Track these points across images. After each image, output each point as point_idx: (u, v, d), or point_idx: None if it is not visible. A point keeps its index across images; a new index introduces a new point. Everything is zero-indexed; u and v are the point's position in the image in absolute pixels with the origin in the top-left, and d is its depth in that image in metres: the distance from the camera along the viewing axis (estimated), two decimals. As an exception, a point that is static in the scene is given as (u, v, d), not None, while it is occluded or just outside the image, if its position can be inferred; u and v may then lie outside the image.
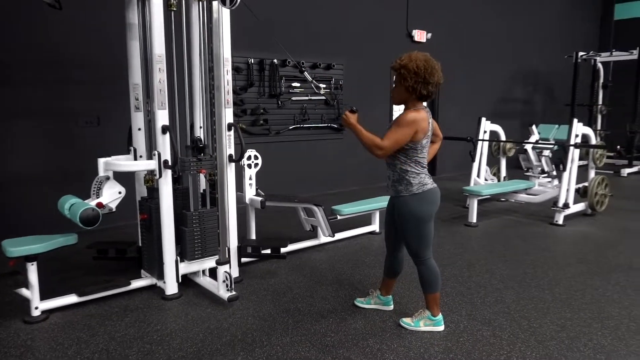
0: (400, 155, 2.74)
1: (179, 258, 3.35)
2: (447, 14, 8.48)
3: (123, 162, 3.29)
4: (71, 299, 3.14)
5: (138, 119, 3.52)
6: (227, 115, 3.43)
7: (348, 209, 4.57)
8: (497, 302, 3.29)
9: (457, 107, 8.83)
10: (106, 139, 4.81)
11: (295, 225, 4.99)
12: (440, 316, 2.88)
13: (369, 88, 7.60)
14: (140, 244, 3.66)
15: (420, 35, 8.08)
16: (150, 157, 3.41)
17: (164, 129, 3.14)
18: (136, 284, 3.40)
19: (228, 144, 3.44)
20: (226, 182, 3.24)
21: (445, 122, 8.72)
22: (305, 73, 3.15)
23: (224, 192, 3.19)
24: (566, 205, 5.37)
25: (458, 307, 3.21)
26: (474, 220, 5.36)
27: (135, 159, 3.53)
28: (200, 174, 3.44)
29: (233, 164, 3.51)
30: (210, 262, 3.49)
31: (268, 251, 3.78)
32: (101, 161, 3.21)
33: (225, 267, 3.23)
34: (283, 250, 3.78)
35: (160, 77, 3.09)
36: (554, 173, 6.44)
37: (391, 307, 3.16)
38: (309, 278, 3.74)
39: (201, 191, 3.54)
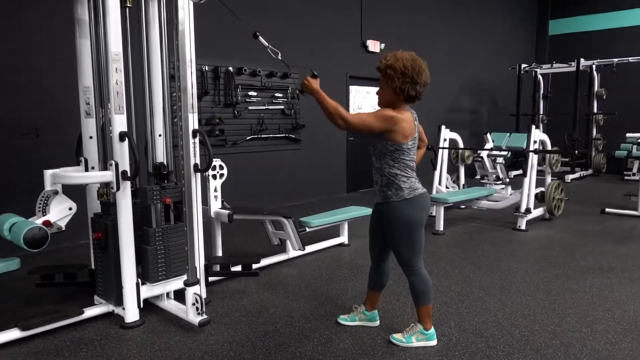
0: (388, 158, 2.57)
1: (140, 280, 2.99)
2: (399, 25, 8.56)
3: (75, 174, 2.91)
4: (13, 334, 2.69)
5: (89, 126, 3.15)
6: (192, 121, 3.14)
7: (317, 221, 4.35)
8: (484, 311, 3.17)
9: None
10: (47, 151, 4.34)
11: (261, 240, 4.71)
12: (432, 330, 2.71)
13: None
14: (93, 267, 3.25)
15: (374, 46, 8.08)
16: (104, 167, 3.04)
17: (122, 136, 2.80)
18: (90, 312, 2.99)
19: (193, 152, 3.14)
20: (195, 195, 2.93)
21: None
22: (260, 38, 2.90)
23: (192, 206, 2.88)
24: (528, 211, 5.43)
25: (446, 318, 3.06)
26: (441, 228, 5.30)
27: (87, 170, 3.14)
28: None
29: (199, 175, 3.20)
30: (175, 284, 3.15)
31: (238, 268, 3.48)
32: (48, 173, 2.81)
33: (195, 289, 2.91)
34: (255, 266, 3.49)
35: (117, 77, 2.76)
36: (507, 180, 6.57)
37: (377, 323, 2.96)
38: (284, 296, 3.47)
39: (161, 205, 3.19)
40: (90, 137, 3.15)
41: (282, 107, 6.77)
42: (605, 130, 10.27)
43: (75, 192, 3.10)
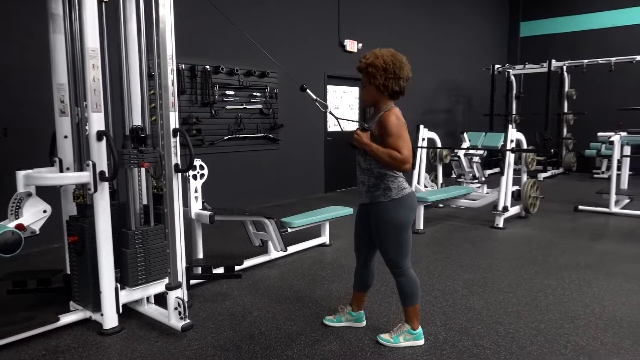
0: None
1: (118, 285, 2.88)
2: (376, 25, 8.58)
3: (50, 175, 2.78)
4: (-17, 344, 2.56)
5: (64, 125, 3.02)
6: (173, 119, 3.05)
7: (299, 221, 4.30)
8: (468, 309, 3.19)
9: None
10: (17, 151, 4.16)
11: (240, 241, 4.63)
12: (420, 329, 2.70)
13: (304, 97, 7.42)
14: (68, 272, 3.12)
15: (351, 45, 8.07)
16: (80, 168, 2.93)
17: (100, 135, 2.69)
18: (66, 319, 2.87)
19: (174, 152, 3.05)
20: (177, 195, 2.84)
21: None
22: (308, 91, 2.89)
23: (174, 206, 2.80)
24: (505, 209, 5.51)
25: (431, 317, 3.06)
26: (422, 227, 5.33)
27: (62, 171, 3.02)
28: (142, 169, 2.99)
29: (179, 175, 3.11)
30: (156, 288, 3.05)
31: (221, 270, 3.40)
32: (20, 174, 2.68)
33: (177, 292, 2.83)
34: (238, 268, 3.42)
35: (94, 74, 2.65)
36: (483, 179, 6.66)
37: (364, 324, 2.93)
38: (267, 297, 3.41)
39: (139, 207, 3.09)
40: (65, 137, 3.02)
41: (260, 106, 6.69)
42: (576, 129, 10.54)
43: (49, 194, 2.97)
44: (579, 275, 3.86)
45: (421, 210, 5.31)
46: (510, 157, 5.55)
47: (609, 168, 9.83)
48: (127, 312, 3.03)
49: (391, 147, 2.45)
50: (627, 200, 6.72)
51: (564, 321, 3.00)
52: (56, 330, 2.83)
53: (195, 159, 3.64)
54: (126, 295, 2.93)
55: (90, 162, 2.67)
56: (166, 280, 2.95)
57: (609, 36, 10.69)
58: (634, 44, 9.83)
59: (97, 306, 2.87)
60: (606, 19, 10.84)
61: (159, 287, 3.06)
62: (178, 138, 3.04)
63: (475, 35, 11.47)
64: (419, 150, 6.27)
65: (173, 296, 2.82)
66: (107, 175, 2.73)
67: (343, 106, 8.34)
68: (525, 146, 5.91)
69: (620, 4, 10.64)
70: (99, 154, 2.70)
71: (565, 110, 10.39)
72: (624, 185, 6.79)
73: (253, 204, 6.52)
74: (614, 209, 6.20)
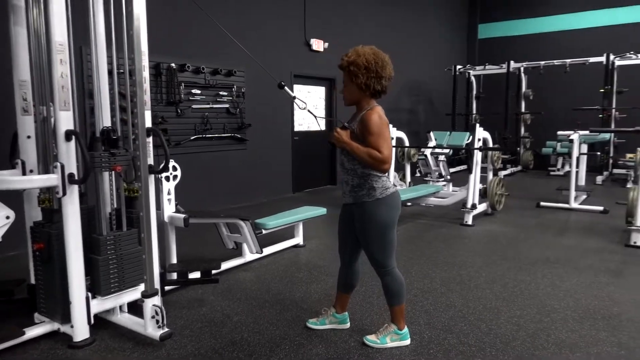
0: (361, 159, 2.50)
1: (89, 294, 2.72)
2: (342, 25, 8.58)
3: (15, 179, 2.59)
4: (-60, 363, 2.35)
5: (27, 125, 2.82)
6: (147, 118, 2.92)
7: (273, 222, 4.22)
8: (449, 307, 3.20)
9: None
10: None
11: (212, 244, 4.49)
12: (406, 329, 2.69)
13: (270, 96, 7.33)
14: (32, 281, 2.92)
15: (317, 45, 8.03)
16: (45, 170, 2.74)
17: (69, 135, 2.52)
18: (32, 332, 2.68)
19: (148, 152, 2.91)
20: (156, 198, 2.71)
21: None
22: (286, 88, 2.80)
23: (150, 209, 2.66)
24: (474, 206, 5.61)
25: (414, 316, 3.05)
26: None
27: (24, 174, 2.82)
28: (114, 174, 2.84)
29: (152, 177, 2.97)
30: (129, 296, 2.90)
31: (197, 275, 3.28)
32: (-20, 178, 2.47)
33: (154, 300, 2.69)
34: (214, 272, 3.30)
35: (62, 70, 2.48)
36: (449, 177, 6.79)
37: (348, 325, 2.89)
38: (245, 302, 3.31)
39: (109, 210, 2.92)
40: (28, 137, 2.82)
41: (226, 105, 6.54)
42: (532, 128, 10.92)
43: (9, 199, 2.76)
44: (550, 269, 3.97)
45: (393, 209, 5.32)
46: (477, 156, 5.66)
47: (564, 165, 10.27)
48: (99, 323, 2.86)
49: (372, 146, 2.42)
50: (585, 196, 7.00)
51: (541, 315, 3.06)
52: (22, 345, 2.63)
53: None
54: (98, 305, 2.77)
55: (59, 164, 2.50)
56: (141, 288, 2.82)
57: (564, 39, 11.11)
58: (587, 46, 10.26)
59: (66, 317, 2.69)
60: (561, 23, 11.27)
61: (132, 294, 2.91)
62: (151, 138, 2.92)
63: (436, 37, 11.69)
64: (388, 149, 6.29)
65: (150, 304, 2.68)
66: (76, 177, 2.57)
67: (309, 104, 8.28)
68: (491, 144, 6.05)
69: (574, 8, 11.09)
70: (68, 155, 2.54)
71: (523, 110, 10.74)
72: (581, 181, 7.08)
73: (220, 205, 6.37)
74: (574, 204, 6.44)
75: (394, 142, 6.41)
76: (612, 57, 9.02)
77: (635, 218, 4.66)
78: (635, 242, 4.62)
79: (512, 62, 10.20)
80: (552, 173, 10.38)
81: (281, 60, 7.41)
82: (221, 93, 6.44)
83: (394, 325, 2.66)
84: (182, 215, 3.40)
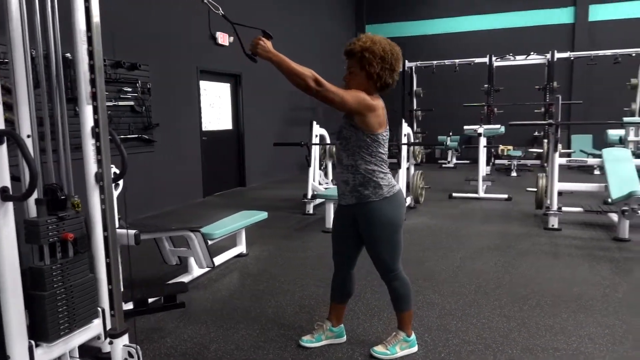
0: (364, 153, 2.29)
1: (33, 342, 2.10)
2: (247, 20, 8.17)
3: None
4: None
5: None
6: (89, 115, 2.38)
7: (219, 231, 3.78)
8: (431, 305, 3.12)
9: (261, 111, 8.67)
10: None
11: (148, 261, 3.90)
12: (414, 335, 2.53)
13: (177, 93, 6.70)
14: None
15: (223, 39, 7.54)
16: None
17: (0, 136, 1.90)
18: (-49, 404, 1.99)
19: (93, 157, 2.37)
20: (97, 212, 2.18)
21: (253, 127, 8.41)
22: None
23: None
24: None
25: (405, 319, 2.90)
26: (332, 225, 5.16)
27: None
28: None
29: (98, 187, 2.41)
30: (81, 337, 2.31)
31: (154, 300, 2.75)
32: None
33: (124, 339, 2.17)
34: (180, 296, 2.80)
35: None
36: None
37: (344, 339, 2.65)
38: (215, 326, 2.87)
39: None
40: None
41: (131, 103, 5.80)
42: (424, 124, 11.59)
43: None
44: (497, 257, 4.12)
45: (331, 208, 5.16)
46: (404, 151, 5.74)
47: (452, 158, 11.08)
48: (41, 376, 2.23)
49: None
50: (486, 185, 7.54)
51: (518, 303, 3.12)
52: None
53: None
54: (44, 354, 2.15)
55: (-16, 175, 1.87)
56: (94, 324, 2.28)
57: (452, 41, 11.94)
58: (474, 48, 11.14)
59: (0, 377, 2.04)
60: (448, 25, 12.11)
61: (85, 335, 2.32)
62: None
63: (331, 36, 11.81)
64: (313, 147, 6.12)
65: (120, 345, 2.15)
66: (10, 192, 1.95)
67: (219, 104, 7.77)
68: (412, 140, 6.19)
69: (460, 12, 11.98)
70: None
71: (415, 107, 11.34)
72: (483, 172, 7.61)
73: (128, 216, 5.62)
74: (482, 194, 6.90)
75: (316, 140, 6.25)
76: (494, 58, 9.89)
77: (552, 203, 5.09)
78: (553, 225, 5.04)
79: (406, 62, 10.68)
80: (444, 166, 11.13)
81: (186, 54, 6.81)
82: (125, 89, 5.69)
83: (402, 332, 2.48)
84: (132, 232, 2.84)
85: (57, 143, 2.40)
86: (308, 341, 2.58)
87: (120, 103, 5.62)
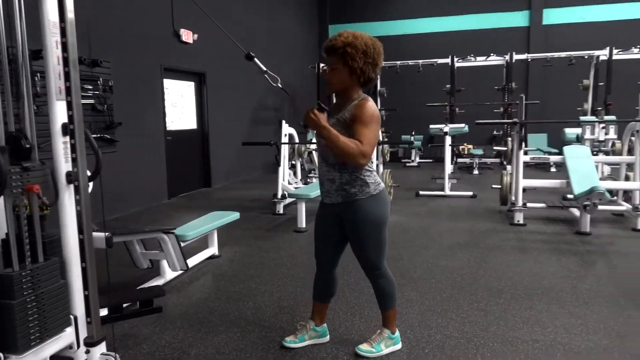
0: (352, 151, 2.26)
1: (1, 355, 1.96)
2: (213, 16, 8.01)
3: None
4: None
5: None
6: (61, 111, 2.26)
7: (193, 232, 3.67)
8: (409, 302, 3.14)
9: (226, 111, 8.52)
10: None
11: (116, 264, 3.74)
12: (397, 332, 2.53)
13: (140, 91, 6.49)
14: None
15: (187, 36, 7.36)
16: None
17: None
18: None
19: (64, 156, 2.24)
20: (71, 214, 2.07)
21: (218, 127, 8.25)
22: (256, 60, 2.33)
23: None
24: (374, 199, 5.71)
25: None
26: (304, 225, 5.14)
27: None
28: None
29: (72, 187, 2.28)
30: (53, 347, 2.18)
31: (127, 305, 2.64)
32: None
33: (102, 348, 2.06)
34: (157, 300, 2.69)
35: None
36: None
37: (327, 338, 2.62)
38: (192, 330, 2.78)
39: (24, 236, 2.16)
40: None
41: (92, 101, 5.57)
42: (388, 124, 11.70)
43: None
44: (468, 253, 4.20)
45: (302, 208, 5.12)
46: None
47: (417, 157, 11.26)
48: (9, 391, 2.09)
49: (356, 135, 2.19)
50: (451, 183, 7.70)
51: (494, 297, 3.19)
52: None
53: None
54: (14, 367, 2.02)
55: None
56: (67, 333, 2.16)
57: (414, 42, 12.13)
58: (436, 48, 11.35)
59: (-35, 393, 1.90)
60: (410, 26, 12.30)
61: (57, 344, 2.19)
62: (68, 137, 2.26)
63: (296, 35, 11.78)
64: (282, 146, 6.06)
65: (98, 353, 2.05)
66: (-22, 193, 1.82)
67: (184, 104, 7.58)
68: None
69: (422, 13, 12.19)
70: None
71: (379, 106, 11.45)
72: (448, 170, 7.77)
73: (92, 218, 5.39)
74: (448, 192, 7.04)
75: (286, 139, 6.20)
76: (455, 59, 10.11)
77: (517, 200, 5.24)
78: (518, 221, 5.20)
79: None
80: (407, 164, 11.29)
81: (148, 51, 6.60)
82: (86, 87, 5.46)
83: (387, 330, 2.48)
84: (103, 234, 2.71)
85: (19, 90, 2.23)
86: (291, 342, 2.54)
87: (83, 101, 5.37)
